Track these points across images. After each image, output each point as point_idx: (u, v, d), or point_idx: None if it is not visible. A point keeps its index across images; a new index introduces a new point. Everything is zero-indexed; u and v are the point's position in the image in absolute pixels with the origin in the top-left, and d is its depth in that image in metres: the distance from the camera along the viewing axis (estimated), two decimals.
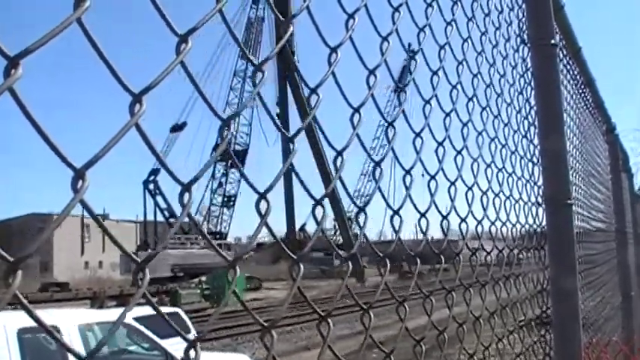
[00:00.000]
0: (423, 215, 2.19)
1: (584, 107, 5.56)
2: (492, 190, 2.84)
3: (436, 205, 2.27)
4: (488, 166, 2.83)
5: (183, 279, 47.17)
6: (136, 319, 13.12)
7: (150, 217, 59.46)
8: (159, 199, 57.57)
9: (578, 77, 4.98)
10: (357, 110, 1.72)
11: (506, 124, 3.15)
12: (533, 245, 3.41)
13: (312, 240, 1.65)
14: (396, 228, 1.95)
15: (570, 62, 4.61)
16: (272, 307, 33.00)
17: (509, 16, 3.08)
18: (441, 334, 2.29)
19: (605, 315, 5.88)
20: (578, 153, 5.06)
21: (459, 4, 2.54)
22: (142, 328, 12.04)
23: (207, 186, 64.94)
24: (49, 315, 9.77)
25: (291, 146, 1.53)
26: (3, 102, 0.83)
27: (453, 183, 2.41)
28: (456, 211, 2.47)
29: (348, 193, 1.96)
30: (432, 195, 2.25)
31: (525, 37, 3.07)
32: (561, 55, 4.23)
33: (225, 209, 65.63)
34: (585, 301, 4.98)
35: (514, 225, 3.21)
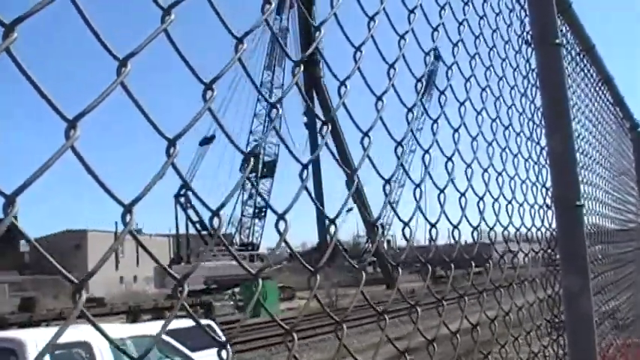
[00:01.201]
0: (433, 226, 2.29)
1: (604, 105, 5.47)
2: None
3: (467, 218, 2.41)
4: (510, 177, 2.81)
5: (217, 291, 47.37)
6: (168, 332, 13.21)
7: (182, 231, 59.88)
8: (190, 212, 57.92)
9: (594, 75, 4.90)
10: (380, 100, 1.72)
11: (518, 134, 3.14)
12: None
13: (326, 253, 1.79)
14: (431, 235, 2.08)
15: (585, 60, 4.54)
16: (305, 317, 32.99)
17: (510, 17, 3.04)
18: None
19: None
20: (597, 152, 4.98)
21: (464, 24, 2.54)
22: (172, 341, 12.10)
23: (237, 197, 65.28)
24: (80, 331, 9.85)
25: (304, 173, 1.62)
26: None
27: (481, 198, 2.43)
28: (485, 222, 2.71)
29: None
30: (461, 207, 2.24)
31: (529, 37, 3.01)
32: (573, 54, 4.17)
33: (256, 220, 65.84)
34: (615, 300, 4.89)
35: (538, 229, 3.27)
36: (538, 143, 3.25)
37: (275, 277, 47.57)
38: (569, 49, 4.06)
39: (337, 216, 1.79)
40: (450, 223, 2.40)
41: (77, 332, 9.52)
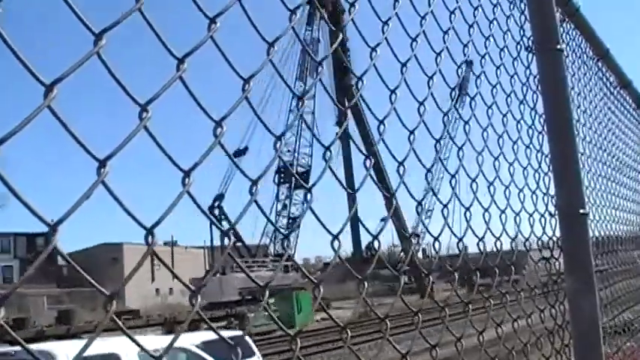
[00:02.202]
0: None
1: (624, 110, 5.37)
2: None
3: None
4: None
5: (251, 301, 47.44)
6: (199, 345, 13.26)
7: (216, 242, 60.22)
8: (224, 223, 58.29)
9: (611, 81, 4.82)
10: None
11: (527, 146, 3.12)
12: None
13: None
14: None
15: (599, 65, 4.46)
16: (340, 327, 32.76)
17: (507, 23, 2.99)
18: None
19: None
20: (617, 160, 4.89)
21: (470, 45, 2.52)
22: (201, 353, 12.16)
23: (271, 208, 65.41)
24: (110, 343, 9.92)
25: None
26: None
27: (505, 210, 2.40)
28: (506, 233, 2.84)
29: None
30: (485, 221, 2.23)
31: (530, 43, 2.97)
32: (585, 59, 4.11)
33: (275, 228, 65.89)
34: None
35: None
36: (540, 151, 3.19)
37: (309, 288, 47.51)
38: (580, 53, 3.99)
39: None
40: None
41: (106, 344, 9.61)
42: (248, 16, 1.50)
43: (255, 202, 1.51)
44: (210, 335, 13.68)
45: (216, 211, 58.01)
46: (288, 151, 63.90)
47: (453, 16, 2.41)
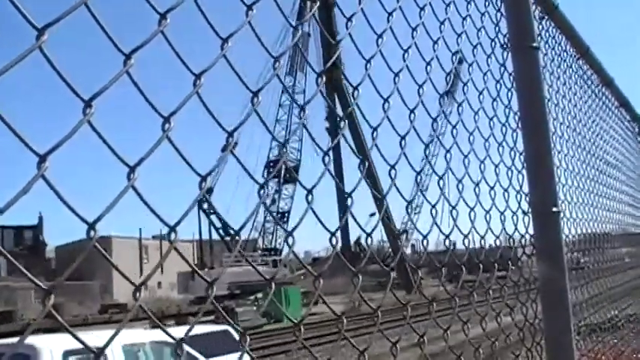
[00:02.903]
0: (447, 237, 2.60)
1: (606, 109, 5.38)
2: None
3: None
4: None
5: (240, 296, 47.38)
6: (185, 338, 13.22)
7: (205, 236, 60.13)
8: (213, 217, 58.15)
9: (592, 77, 4.82)
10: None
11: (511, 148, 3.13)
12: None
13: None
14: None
15: (580, 63, 4.45)
16: (329, 322, 32.87)
17: (482, 20, 2.98)
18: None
19: None
20: (600, 160, 4.90)
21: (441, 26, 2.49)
22: (187, 347, 12.11)
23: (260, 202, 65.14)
24: (95, 337, 9.88)
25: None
26: None
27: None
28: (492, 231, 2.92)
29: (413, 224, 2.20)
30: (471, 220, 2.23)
31: (506, 40, 2.96)
32: (565, 56, 4.11)
33: (279, 225, 65.77)
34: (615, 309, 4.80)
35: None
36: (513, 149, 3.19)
37: (298, 283, 47.49)
38: (560, 51, 3.99)
39: (373, 230, 2.23)
40: (461, 232, 2.71)
41: (92, 338, 9.54)
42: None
43: (264, 204, 1.57)
44: (197, 330, 13.66)
45: (205, 205, 57.90)
46: (277, 145, 63.77)
47: (422, 12, 2.39)
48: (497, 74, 3.05)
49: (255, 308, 41.77)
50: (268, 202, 66.14)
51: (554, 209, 2.68)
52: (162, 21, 1.33)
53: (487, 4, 3.02)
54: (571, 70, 4.25)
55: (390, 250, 60.63)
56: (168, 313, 39.32)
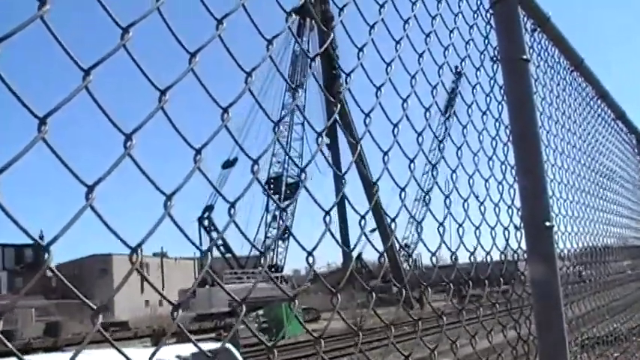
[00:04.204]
0: (453, 253, 2.69)
1: (602, 122, 5.34)
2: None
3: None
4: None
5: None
6: (187, 357, 13.12)
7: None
8: (214, 234, 58.04)
9: (587, 90, 4.77)
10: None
11: (490, 158, 3.09)
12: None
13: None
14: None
15: (575, 75, 4.41)
16: (330, 338, 32.72)
17: (471, 33, 2.94)
18: None
19: None
20: (596, 173, 4.85)
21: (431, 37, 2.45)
22: None
23: (261, 219, 65.14)
24: (93, 358, 9.80)
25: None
26: None
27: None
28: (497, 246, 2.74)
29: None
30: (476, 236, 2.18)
31: (496, 53, 2.92)
32: (558, 68, 4.07)
33: (280, 242, 65.55)
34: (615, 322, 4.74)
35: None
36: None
37: (300, 299, 47.29)
38: (553, 63, 3.95)
39: (355, 244, 2.29)
40: (467, 249, 2.79)
41: (91, 358, 9.45)
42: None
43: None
44: (194, 348, 13.58)
45: (206, 222, 57.86)
46: (278, 162, 63.82)
47: (407, 25, 2.35)
48: (487, 87, 3.01)
49: (256, 325, 41.60)
50: (269, 218, 66.17)
51: (547, 224, 2.63)
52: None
53: (476, 16, 2.98)
54: (565, 82, 4.21)
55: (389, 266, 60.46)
56: (169, 331, 39.20)
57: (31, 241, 1.10)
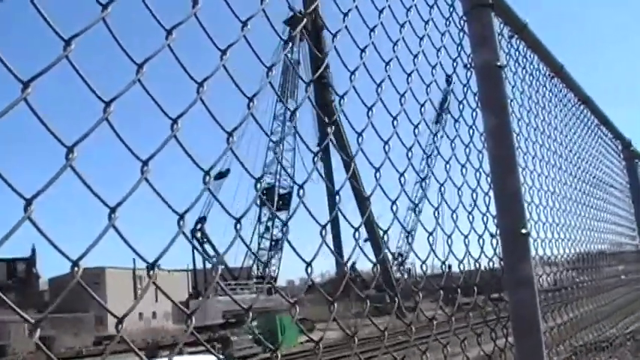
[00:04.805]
0: (443, 263, 2.80)
1: (585, 127, 5.33)
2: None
3: None
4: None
5: (235, 325, 47.01)
6: None
7: (199, 266, 59.66)
8: (207, 246, 57.81)
9: (568, 96, 4.77)
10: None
11: (463, 165, 3.09)
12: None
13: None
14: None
15: (555, 81, 4.41)
16: (326, 348, 32.59)
17: (443, 40, 2.92)
18: None
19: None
20: (575, 178, 4.85)
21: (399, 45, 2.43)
22: None
23: (254, 230, 64.91)
24: None
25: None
26: None
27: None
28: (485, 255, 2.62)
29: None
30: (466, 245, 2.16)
31: (470, 60, 2.90)
32: (537, 75, 4.07)
33: (273, 253, 65.23)
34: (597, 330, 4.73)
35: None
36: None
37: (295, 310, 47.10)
38: (531, 70, 3.95)
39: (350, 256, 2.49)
40: (456, 258, 2.86)
41: None
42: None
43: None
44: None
45: (199, 234, 57.62)
46: (270, 173, 63.69)
47: (373, 33, 2.33)
48: (461, 94, 3.00)
49: (250, 336, 41.43)
50: (262, 229, 65.90)
51: (523, 231, 2.61)
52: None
53: (448, 23, 2.97)
54: (544, 88, 4.21)
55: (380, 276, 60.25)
56: (162, 344, 38.97)
57: (21, 256, 1.10)
